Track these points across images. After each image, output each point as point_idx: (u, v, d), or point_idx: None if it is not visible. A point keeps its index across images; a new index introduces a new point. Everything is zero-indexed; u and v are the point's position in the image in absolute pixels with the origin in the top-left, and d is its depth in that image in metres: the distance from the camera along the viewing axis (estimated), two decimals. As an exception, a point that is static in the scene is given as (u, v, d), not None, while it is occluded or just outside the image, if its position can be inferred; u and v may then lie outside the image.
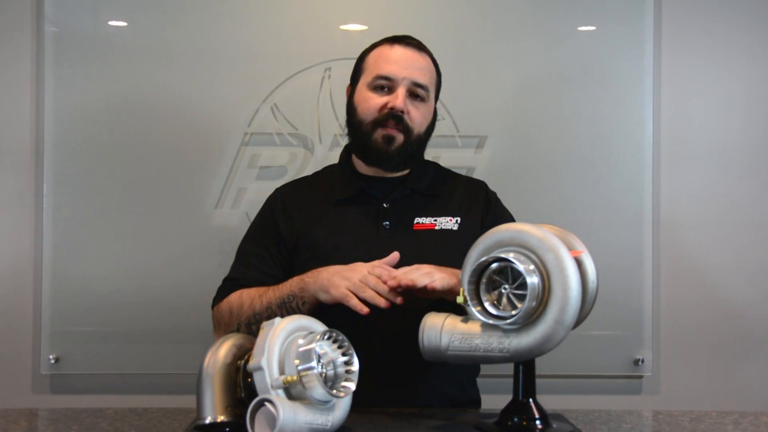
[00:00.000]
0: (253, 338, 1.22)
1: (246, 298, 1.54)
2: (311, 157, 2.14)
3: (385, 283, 1.38)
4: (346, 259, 1.48)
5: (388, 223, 1.59)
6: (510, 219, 1.68)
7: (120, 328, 2.09)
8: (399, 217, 1.60)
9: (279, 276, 1.59)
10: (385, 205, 1.61)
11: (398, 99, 1.55)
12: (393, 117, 1.56)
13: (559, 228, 1.31)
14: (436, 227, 1.60)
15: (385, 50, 1.61)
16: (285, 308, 1.47)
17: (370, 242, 1.56)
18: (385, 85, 1.58)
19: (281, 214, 1.64)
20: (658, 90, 2.18)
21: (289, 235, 1.61)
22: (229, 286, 1.61)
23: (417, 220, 1.60)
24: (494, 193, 1.71)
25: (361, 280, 1.40)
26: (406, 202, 1.63)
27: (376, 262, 1.44)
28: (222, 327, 1.56)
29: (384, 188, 1.63)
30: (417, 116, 1.59)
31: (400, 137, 1.57)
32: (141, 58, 2.11)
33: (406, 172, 1.65)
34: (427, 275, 1.38)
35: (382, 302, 1.38)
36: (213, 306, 1.62)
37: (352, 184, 1.64)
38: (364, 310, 1.38)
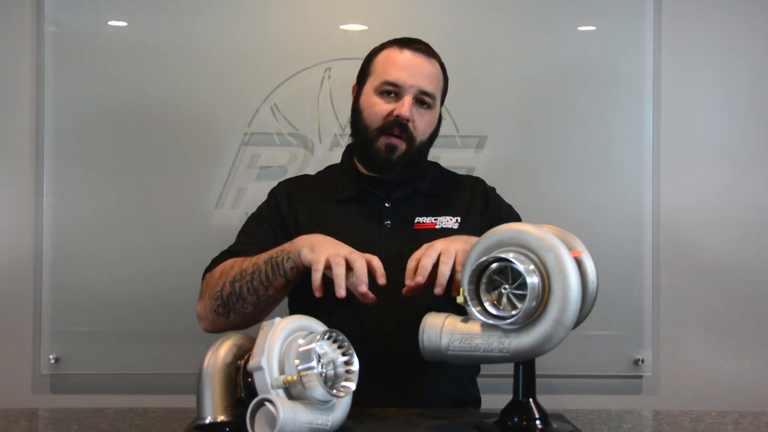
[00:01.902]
0: (253, 338, 1.22)
1: (238, 260, 1.50)
2: (311, 157, 2.14)
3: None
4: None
5: (389, 222, 1.60)
6: (510, 210, 1.69)
7: (120, 328, 2.09)
8: (400, 216, 1.60)
9: None
10: (386, 204, 1.62)
11: (404, 107, 1.54)
12: (398, 124, 1.55)
13: (559, 228, 1.31)
14: (437, 226, 1.60)
15: (394, 54, 1.59)
16: (270, 264, 1.42)
17: (372, 241, 1.56)
18: (391, 91, 1.57)
19: (286, 204, 1.64)
20: (658, 90, 2.17)
21: (293, 227, 1.60)
22: (226, 255, 1.58)
23: (418, 219, 1.60)
24: (492, 189, 1.71)
25: (346, 256, 1.34)
26: (408, 202, 1.63)
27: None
28: (208, 291, 1.52)
29: (386, 188, 1.63)
30: (421, 124, 1.58)
31: (402, 146, 1.57)
32: (141, 58, 2.11)
33: (408, 172, 1.65)
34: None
35: (340, 289, 1.29)
36: (204, 274, 1.58)
37: (353, 183, 1.65)
38: (317, 293, 1.32)
